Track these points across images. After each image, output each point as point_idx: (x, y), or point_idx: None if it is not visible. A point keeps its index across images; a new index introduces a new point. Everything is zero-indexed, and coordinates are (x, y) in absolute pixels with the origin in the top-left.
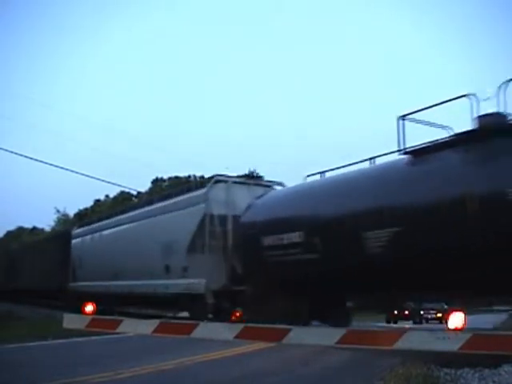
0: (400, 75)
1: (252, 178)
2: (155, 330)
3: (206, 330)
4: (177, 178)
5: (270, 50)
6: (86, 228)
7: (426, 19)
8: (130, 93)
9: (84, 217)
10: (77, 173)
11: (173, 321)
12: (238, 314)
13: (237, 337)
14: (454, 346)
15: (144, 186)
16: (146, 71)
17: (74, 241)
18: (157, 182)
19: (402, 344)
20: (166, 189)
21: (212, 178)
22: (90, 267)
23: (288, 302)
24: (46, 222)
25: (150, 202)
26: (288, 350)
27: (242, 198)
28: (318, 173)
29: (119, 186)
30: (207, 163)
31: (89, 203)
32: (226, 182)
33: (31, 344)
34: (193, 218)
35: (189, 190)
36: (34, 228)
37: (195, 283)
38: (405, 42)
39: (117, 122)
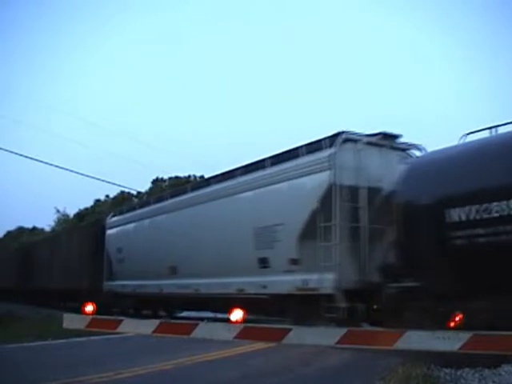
0: (400, 74)
1: (389, 138)
2: (155, 330)
3: (206, 330)
4: (177, 177)
5: (270, 50)
6: (126, 215)
7: (426, 18)
8: (130, 93)
9: (84, 217)
10: (77, 173)
11: (173, 321)
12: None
13: (237, 337)
14: (453, 345)
15: (144, 186)
16: (146, 71)
17: (109, 231)
18: (157, 181)
19: (401, 344)
20: (166, 189)
21: (337, 134)
22: (134, 262)
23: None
24: (45, 222)
25: (231, 176)
26: (288, 349)
27: (375, 164)
28: (482, 130)
29: (119, 186)
30: (207, 163)
31: (89, 203)
32: (355, 141)
33: (31, 344)
34: (311, 191)
35: (295, 156)
36: (34, 228)
37: (315, 280)
38: (404, 41)
39: (117, 122)
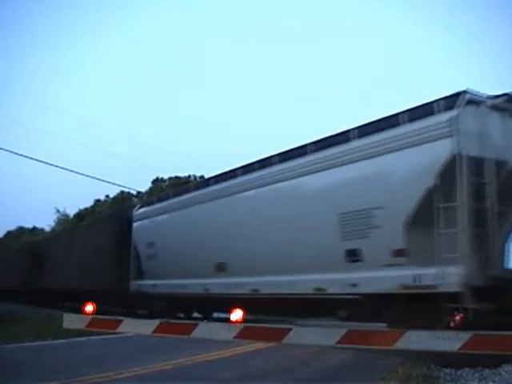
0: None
1: None
2: (155, 330)
3: (206, 330)
4: (177, 178)
5: (270, 50)
6: (157, 205)
7: (427, 16)
8: (130, 93)
9: (84, 217)
10: (77, 173)
11: (173, 321)
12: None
13: (237, 337)
14: (454, 345)
15: (144, 186)
16: (146, 71)
17: (136, 224)
18: (157, 181)
19: (401, 344)
20: (166, 189)
21: (457, 94)
22: (169, 258)
23: None
24: (45, 222)
25: (300, 154)
26: (288, 349)
27: (498, 131)
28: None
29: (119, 185)
30: (207, 163)
31: (89, 203)
32: (478, 103)
33: (31, 344)
34: (424, 164)
35: (394, 125)
36: (34, 228)
37: (432, 275)
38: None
39: (117, 122)
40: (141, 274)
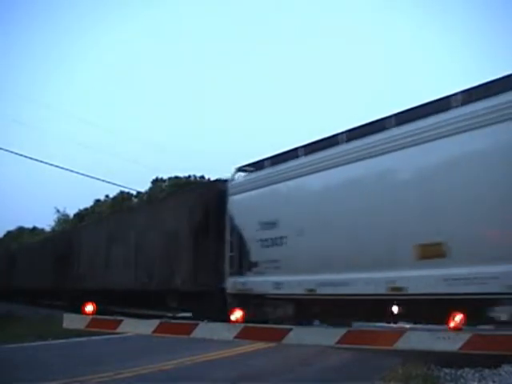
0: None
1: None
2: (155, 330)
3: (206, 330)
4: (177, 177)
5: (270, 49)
6: (278, 168)
7: (427, 15)
8: (130, 93)
9: (84, 217)
10: (77, 173)
11: (173, 321)
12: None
13: (237, 337)
14: (454, 345)
15: (144, 186)
16: (146, 71)
17: (236, 198)
18: (157, 182)
19: (402, 344)
20: (166, 189)
21: None
22: (309, 244)
23: None
24: (46, 222)
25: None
26: (288, 349)
27: None
28: None
29: (119, 186)
30: (207, 164)
31: (89, 203)
32: None
33: (31, 344)
34: None
35: None
36: (34, 228)
37: None
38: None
39: (117, 122)
40: (247, 268)
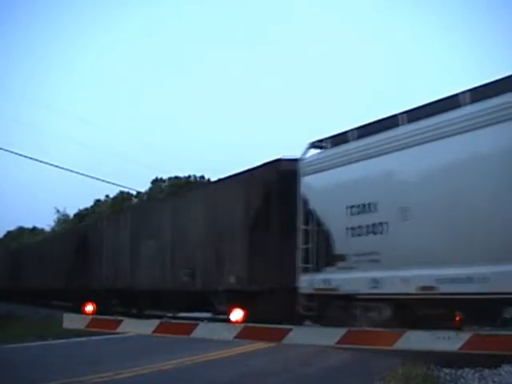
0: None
1: None
2: (155, 330)
3: (206, 330)
4: (177, 178)
5: (269, 50)
6: (356, 144)
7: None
8: (130, 93)
9: (84, 217)
10: (77, 173)
11: (173, 321)
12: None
13: (237, 337)
14: (454, 345)
15: (144, 186)
16: (146, 71)
17: (312, 178)
18: (157, 182)
19: (402, 344)
20: (166, 189)
21: None
22: (406, 234)
23: None
24: (46, 222)
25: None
26: (288, 349)
27: None
28: None
29: (119, 185)
30: (207, 163)
31: (89, 203)
32: None
33: (31, 344)
34: None
35: None
36: (34, 228)
37: None
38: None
39: (117, 122)
40: (329, 263)
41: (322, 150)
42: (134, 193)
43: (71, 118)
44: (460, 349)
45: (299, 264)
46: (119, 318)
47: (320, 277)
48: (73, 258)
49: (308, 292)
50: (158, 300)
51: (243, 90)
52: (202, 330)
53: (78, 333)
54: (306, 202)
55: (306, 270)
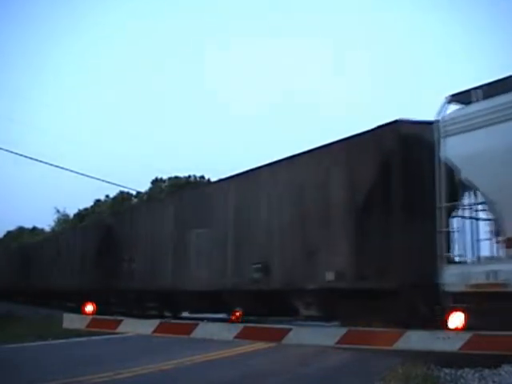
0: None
1: None
2: (155, 330)
3: (206, 330)
4: (177, 178)
5: (268, 49)
6: None
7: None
8: (130, 92)
9: (84, 217)
10: (77, 173)
11: (173, 321)
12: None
13: (237, 337)
14: (454, 345)
15: (144, 186)
16: (145, 71)
17: (457, 139)
18: (157, 182)
19: (402, 344)
20: (166, 189)
21: None
22: None
23: None
24: (46, 222)
25: None
26: (288, 349)
27: None
28: None
29: (119, 185)
30: (207, 163)
31: (89, 203)
32: None
33: (31, 344)
34: None
35: None
36: (34, 228)
37: None
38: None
39: (117, 122)
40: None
41: (461, 107)
42: (134, 193)
43: (71, 117)
44: (460, 349)
45: (442, 253)
46: (119, 318)
47: (479, 269)
48: (95, 255)
49: (458, 290)
50: (214, 302)
51: (243, 89)
52: (202, 330)
53: (77, 333)
54: (451, 172)
55: (452, 261)
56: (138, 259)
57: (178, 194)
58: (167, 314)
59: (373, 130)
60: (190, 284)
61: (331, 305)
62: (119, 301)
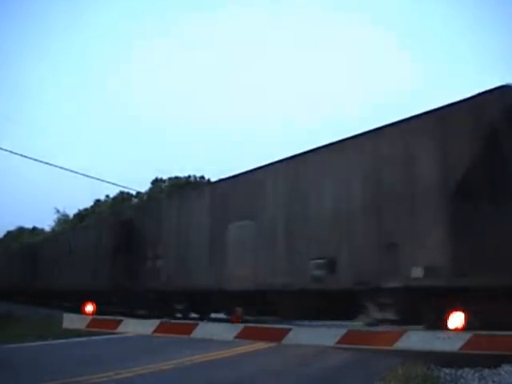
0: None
1: None
2: (155, 330)
3: (206, 330)
4: (177, 178)
5: (268, 49)
6: None
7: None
8: (130, 92)
9: (84, 217)
10: (77, 173)
11: (173, 321)
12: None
13: (237, 337)
14: (454, 345)
15: (144, 186)
16: (146, 70)
17: None
18: (157, 182)
19: (402, 344)
20: (166, 189)
21: None
22: None
23: None
24: (46, 222)
25: None
26: (288, 350)
27: None
28: None
29: (119, 186)
30: (207, 164)
31: (89, 203)
32: None
33: (31, 344)
34: None
35: None
36: (34, 228)
37: None
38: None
39: (117, 123)
40: None
41: None
42: (134, 193)
43: (71, 117)
44: (460, 349)
45: None
46: (119, 318)
47: None
48: (112, 253)
49: None
50: (258, 303)
51: (243, 89)
52: (202, 330)
53: (77, 333)
54: None
55: None
56: (165, 256)
57: (216, 183)
58: (194, 315)
59: (472, 97)
60: (228, 283)
61: (414, 306)
62: (139, 302)
